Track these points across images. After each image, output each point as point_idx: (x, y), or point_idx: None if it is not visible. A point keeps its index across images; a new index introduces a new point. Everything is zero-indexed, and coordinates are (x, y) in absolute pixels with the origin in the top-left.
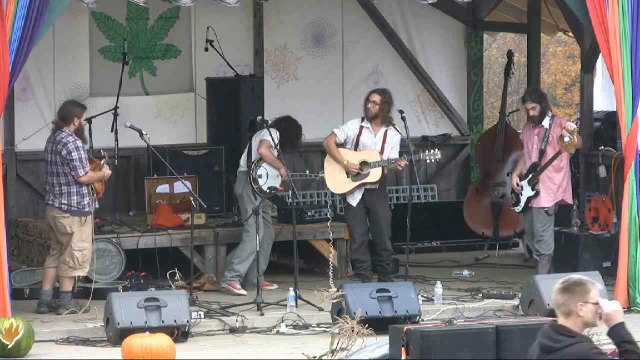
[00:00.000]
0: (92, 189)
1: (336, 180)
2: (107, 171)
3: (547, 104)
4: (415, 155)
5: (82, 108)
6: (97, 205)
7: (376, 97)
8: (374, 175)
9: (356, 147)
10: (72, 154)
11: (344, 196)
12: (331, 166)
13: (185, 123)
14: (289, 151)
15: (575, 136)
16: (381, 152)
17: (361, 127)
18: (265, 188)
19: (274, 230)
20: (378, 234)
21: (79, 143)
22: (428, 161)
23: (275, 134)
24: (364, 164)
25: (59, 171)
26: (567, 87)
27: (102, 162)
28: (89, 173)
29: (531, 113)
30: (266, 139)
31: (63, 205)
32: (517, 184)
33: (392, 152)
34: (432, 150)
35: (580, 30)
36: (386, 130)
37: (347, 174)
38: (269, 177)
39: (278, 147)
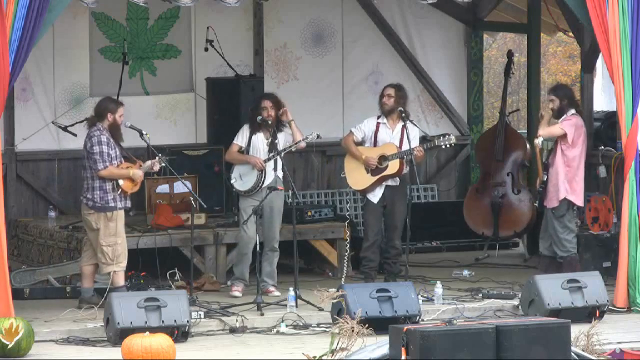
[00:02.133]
0: (116, 185)
1: (356, 176)
2: (136, 171)
3: (569, 102)
4: (429, 142)
5: (117, 104)
6: (128, 204)
7: (391, 91)
8: (393, 167)
9: (375, 144)
10: (94, 147)
11: (364, 193)
12: (350, 164)
13: (185, 123)
14: (269, 123)
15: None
16: (400, 147)
17: (378, 124)
18: (244, 189)
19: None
20: (392, 231)
21: (104, 138)
22: (443, 146)
23: (243, 129)
24: (382, 157)
25: (86, 165)
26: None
27: (146, 163)
28: (108, 168)
29: (550, 105)
30: (233, 142)
31: (88, 202)
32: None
33: (413, 145)
34: (446, 136)
35: (580, 30)
36: (403, 125)
37: (367, 169)
38: (243, 176)
39: (248, 138)
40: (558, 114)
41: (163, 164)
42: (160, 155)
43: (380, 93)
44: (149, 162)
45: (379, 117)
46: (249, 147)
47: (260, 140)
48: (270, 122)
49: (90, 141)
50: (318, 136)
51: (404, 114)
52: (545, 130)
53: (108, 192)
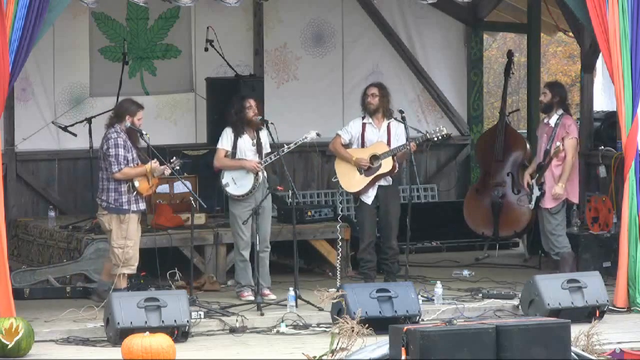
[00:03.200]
0: (131, 187)
1: (350, 179)
2: (155, 165)
3: (560, 100)
4: (422, 136)
5: (137, 107)
6: (142, 207)
7: (374, 90)
8: (386, 165)
9: (362, 145)
10: (111, 149)
11: (357, 195)
12: (342, 167)
13: (185, 123)
14: (253, 124)
15: (559, 147)
16: (388, 145)
17: (364, 124)
18: (240, 193)
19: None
20: (387, 231)
21: (120, 140)
22: (435, 139)
23: (227, 132)
24: (373, 157)
25: (101, 166)
26: (567, 87)
27: (154, 164)
28: (123, 170)
29: (541, 97)
30: (217, 147)
31: (103, 202)
32: (528, 184)
33: (399, 142)
34: (437, 128)
35: (580, 30)
36: (389, 123)
37: (360, 171)
38: (237, 180)
39: (233, 141)
40: (545, 108)
41: (177, 167)
42: (175, 158)
43: (363, 93)
44: (163, 167)
45: (363, 118)
46: (235, 150)
47: (246, 142)
48: (268, 121)
49: (107, 143)
50: (318, 135)
51: (403, 114)
52: (566, 173)
53: (123, 194)
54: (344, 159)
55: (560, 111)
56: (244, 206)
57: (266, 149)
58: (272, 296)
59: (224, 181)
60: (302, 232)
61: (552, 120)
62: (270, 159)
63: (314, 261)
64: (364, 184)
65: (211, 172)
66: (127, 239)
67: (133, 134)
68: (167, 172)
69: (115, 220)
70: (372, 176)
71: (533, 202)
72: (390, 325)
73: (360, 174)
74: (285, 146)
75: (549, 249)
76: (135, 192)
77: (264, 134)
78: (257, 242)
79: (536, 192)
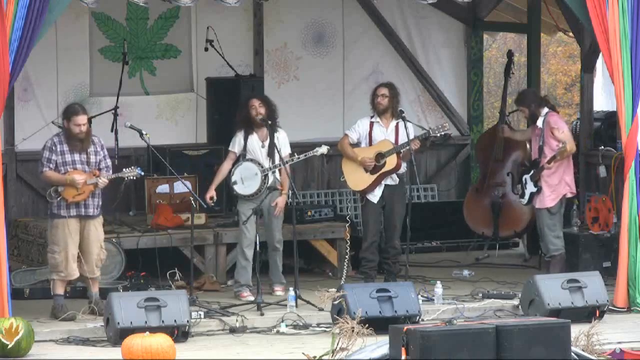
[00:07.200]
0: (53, 192)
1: (356, 177)
2: (75, 177)
3: (537, 106)
4: (424, 133)
5: (73, 112)
6: (73, 213)
7: (385, 90)
8: (390, 162)
9: (370, 143)
10: (41, 151)
11: (363, 194)
12: (348, 166)
13: (185, 123)
14: (263, 126)
15: (565, 145)
16: (395, 144)
17: (371, 123)
18: (247, 193)
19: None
20: (390, 230)
21: (49, 143)
22: (439, 135)
23: (238, 136)
24: (379, 155)
25: None
26: (567, 87)
27: (76, 175)
28: (45, 172)
29: (523, 115)
30: (229, 149)
31: None
32: (522, 178)
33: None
34: (439, 126)
35: (580, 30)
36: (397, 123)
37: (366, 169)
38: (245, 180)
39: (243, 143)
40: (533, 119)
41: (132, 177)
42: (133, 168)
43: (373, 93)
44: (82, 179)
45: (372, 117)
46: (245, 152)
47: (255, 142)
48: (269, 121)
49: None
50: (329, 149)
51: (404, 114)
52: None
53: (53, 198)
54: (350, 159)
55: (545, 110)
56: (249, 205)
57: (285, 151)
58: (280, 292)
59: (232, 178)
60: (302, 232)
61: (540, 122)
62: (276, 166)
63: (314, 261)
64: (369, 181)
65: (211, 172)
66: (55, 245)
67: (72, 138)
68: (102, 182)
69: (49, 225)
70: (377, 174)
71: (527, 198)
72: (390, 325)
73: (366, 172)
74: (296, 155)
75: (543, 248)
76: (59, 198)
77: (281, 136)
78: (257, 242)
79: (531, 189)
